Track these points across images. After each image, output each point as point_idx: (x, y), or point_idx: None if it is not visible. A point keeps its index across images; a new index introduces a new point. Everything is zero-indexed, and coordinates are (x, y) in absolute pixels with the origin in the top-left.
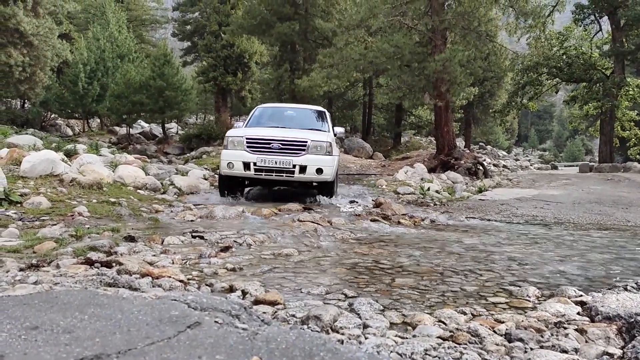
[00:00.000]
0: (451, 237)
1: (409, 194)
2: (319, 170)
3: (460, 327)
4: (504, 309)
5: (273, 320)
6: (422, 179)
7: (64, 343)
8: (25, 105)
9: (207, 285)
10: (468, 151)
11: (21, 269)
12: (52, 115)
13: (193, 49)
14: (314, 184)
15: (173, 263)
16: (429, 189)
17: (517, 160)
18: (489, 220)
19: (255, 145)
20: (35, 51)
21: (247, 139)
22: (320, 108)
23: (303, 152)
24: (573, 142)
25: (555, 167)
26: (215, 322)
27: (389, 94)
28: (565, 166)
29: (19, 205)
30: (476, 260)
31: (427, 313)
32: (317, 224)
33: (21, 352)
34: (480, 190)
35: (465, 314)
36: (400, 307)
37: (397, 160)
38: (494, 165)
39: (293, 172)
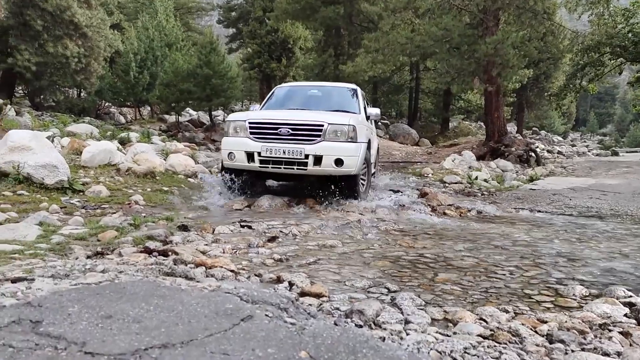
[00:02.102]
0: (498, 229)
1: (455, 183)
2: (339, 162)
3: (501, 326)
4: (548, 308)
5: (319, 313)
6: (469, 168)
7: (134, 332)
8: (81, 95)
9: (256, 275)
10: (520, 137)
11: (88, 257)
12: (106, 104)
13: (238, 35)
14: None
15: (224, 252)
16: (476, 177)
17: (573, 146)
18: (539, 211)
19: (260, 130)
20: (89, 42)
21: (250, 123)
22: (351, 85)
23: (318, 139)
24: (637, 126)
25: (615, 154)
26: (266, 315)
27: (436, 79)
28: (627, 152)
29: (82, 193)
30: (522, 256)
31: (469, 310)
32: (360, 214)
33: (100, 340)
34: (531, 179)
35: (507, 312)
36: (442, 302)
37: (444, 147)
38: (548, 151)
39: (306, 164)
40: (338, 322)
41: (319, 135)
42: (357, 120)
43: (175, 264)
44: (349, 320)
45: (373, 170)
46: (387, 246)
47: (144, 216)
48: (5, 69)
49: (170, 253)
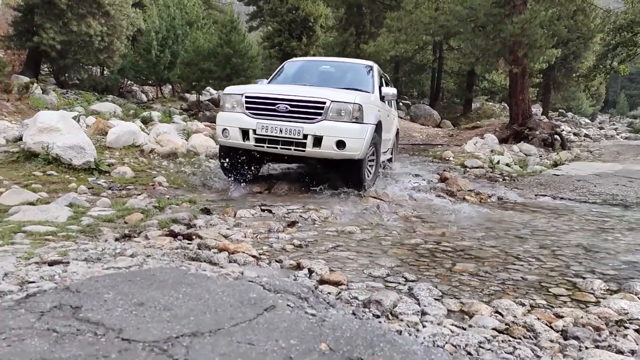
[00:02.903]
0: (518, 217)
1: (477, 167)
2: (340, 144)
3: (517, 320)
4: (565, 302)
5: (337, 302)
6: (492, 151)
7: (166, 320)
8: (104, 73)
9: (276, 261)
10: (545, 119)
11: (117, 239)
12: (128, 82)
13: (259, 13)
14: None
15: (245, 237)
16: (498, 162)
17: (601, 128)
18: (561, 198)
19: (257, 106)
20: (112, 21)
21: (246, 97)
22: (368, 62)
23: (319, 118)
24: None
25: None
26: (288, 305)
27: (460, 59)
28: None
29: (107, 174)
30: (542, 246)
31: (485, 302)
32: (379, 199)
33: (134, 327)
34: (555, 164)
35: (523, 305)
36: (459, 294)
37: (466, 130)
38: (574, 134)
39: (304, 145)
40: (356, 312)
41: (319, 114)
42: (366, 99)
43: (199, 249)
44: (366, 310)
45: (390, 156)
46: (405, 233)
47: (168, 198)
48: (31, 47)
49: (194, 237)
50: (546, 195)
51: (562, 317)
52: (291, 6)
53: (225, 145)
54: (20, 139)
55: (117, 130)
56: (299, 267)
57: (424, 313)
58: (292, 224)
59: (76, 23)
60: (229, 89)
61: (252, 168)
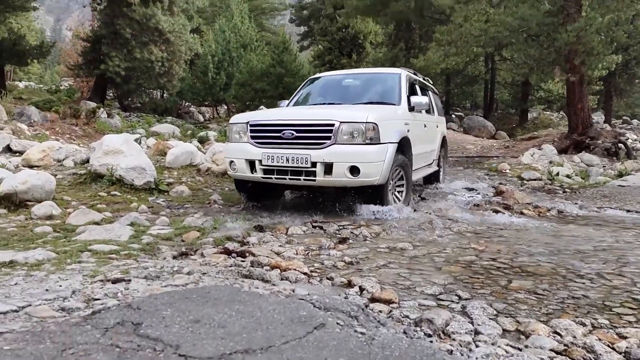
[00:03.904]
0: (580, 231)
1: (534, 179)
2: (354, 170)
3: (576, 341)
4: (630, 322)
5: (388, 321)
6: (550, 162)
7: (220, 337)
8: (164, 96)
9: (327, 279)
10: (608, 128)
11: (174, 257)
12: (186, 104)
13: (309, 33)
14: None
15: (297, 254)
16: (557, 173)
17: None
18: (627, 211)
19: (261, 134)
20: (172, 47)
21: (251, 125)
22: (395, 70)
23: (328, 142)
24: None
25: None
26: (337, 323)
27: (513, 70)
28: None
29: (166, 193)
30: (606, 262)
31: (543, 322)
32: (432, 215)
33: (191, 343)
34: (620, 175)
35: (584, 325)
36: (515, 313)
37: (522, 141)
38: None
39: (314, 174)
40: (407, 330)
41: (329, 137)
42: (384, 115)
43: (252, 266)
44: (418, 329)
45: (435, 168)
46: (459, 249)
47: (223, 215)
48: (98, 74)
49: (247, 254)
50: (611, 208)
51: (625, 337)
52: (341, 25)
53: (237, 178)
54: (88, 161)
55: (176, 151)
56: (350, 284)
57: (477, 332)
58: (343, 240)
59: (139, 51)
60: (235, 118)
61: (272, 197)
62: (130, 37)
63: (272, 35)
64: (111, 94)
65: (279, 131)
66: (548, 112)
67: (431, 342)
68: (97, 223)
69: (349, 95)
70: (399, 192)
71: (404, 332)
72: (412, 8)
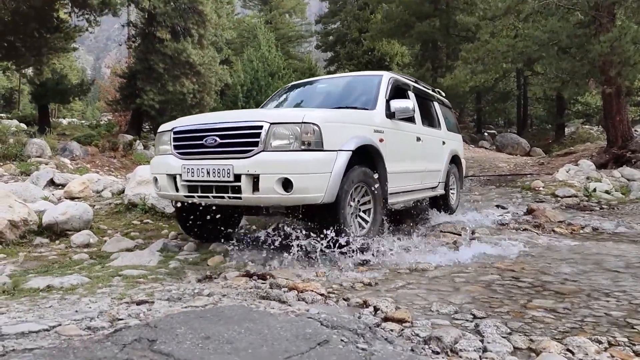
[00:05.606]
0: (613, 249)
1: (570, 196)
2: (287, 184)
3: (587, 358)
4: None
5: (397, 339)
6: (587, 178)
7: (226, 352)
8: None
9: (344, 299)
10: None
11: (198, 280)
12: None
13: (336, 58)
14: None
15: (317, 275)
16: (595, 189)
17: None
18: None
19: (184, 142)
20: (202, 79)
21: (174, 133)
22: (377, 73)
23: (255, 149)
24: None
25: None
26: (341, 340)
27: (544, 85)
28: None
29: None
30: (637, 280)
31: (557, 339)
32: (457, 234)
33: (199, 357)
34: None
35: (600, 342)
36: (530, 331)
37: (558, 157)
38: None
39: (239, 190)
40: (415, 348)
41: (256, 143)
42: (330, 116)
43: (271, 288)
44: (426, 346)
45: (441, 192)
46: (481, 269)
47: (248, 241)
48: (134, 108)
49: (268, 277)
50: None
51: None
52: (367, 48)
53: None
54: (123, 191)
55: None
56: (365, 304)
57: (485, 350)
58: (364, 262)
59: (172, 84)
60: (162, 127)
61: (221, 227)
62: (163, 71)
63: (299, 62)
64: (147, 127)
65: (201, 138)
66: (587, 126)
67: (433, 359)
68: (129, 250)
69: (321, 102)
70: (361, 216)
71: (412, 350)
72: (437, 27)
